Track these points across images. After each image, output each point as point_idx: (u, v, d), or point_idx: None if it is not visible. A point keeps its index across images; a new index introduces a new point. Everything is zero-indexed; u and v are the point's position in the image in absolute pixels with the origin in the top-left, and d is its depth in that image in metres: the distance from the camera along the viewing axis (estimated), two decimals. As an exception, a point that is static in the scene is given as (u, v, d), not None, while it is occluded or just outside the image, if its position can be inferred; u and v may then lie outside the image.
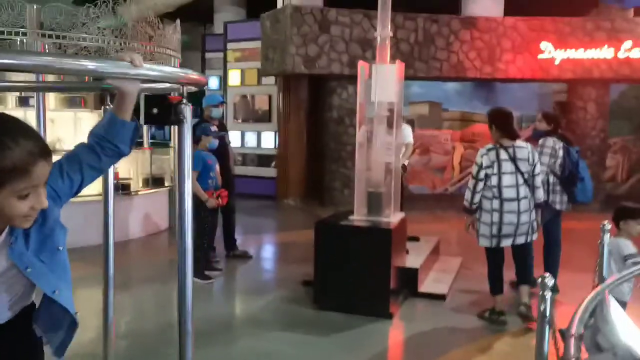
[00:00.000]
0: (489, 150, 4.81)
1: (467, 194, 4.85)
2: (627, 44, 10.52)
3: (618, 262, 3.67)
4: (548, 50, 10.61)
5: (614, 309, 2.36)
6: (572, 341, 2.30)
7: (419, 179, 11.77)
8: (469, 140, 11.99)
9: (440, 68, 10.71)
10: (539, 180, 4.88)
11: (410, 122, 8.15)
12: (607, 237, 3.55)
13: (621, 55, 10.58)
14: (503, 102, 10.24)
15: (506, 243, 4.83)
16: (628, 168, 12.27)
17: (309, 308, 5.21)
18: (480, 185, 4.77)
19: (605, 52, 10.59)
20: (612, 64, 10.66)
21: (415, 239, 6.61)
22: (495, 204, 4.76)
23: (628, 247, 3.75)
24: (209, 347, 4.36)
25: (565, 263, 6.64)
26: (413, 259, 5.89)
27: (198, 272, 5.81)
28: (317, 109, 11.45)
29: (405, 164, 7.14)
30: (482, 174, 4.76)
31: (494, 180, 4.75)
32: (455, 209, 10.62)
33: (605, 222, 3.63)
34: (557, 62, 10.66)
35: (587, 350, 2.30)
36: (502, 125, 4.87)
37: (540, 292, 2.34)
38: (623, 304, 3.17)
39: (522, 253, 4.96)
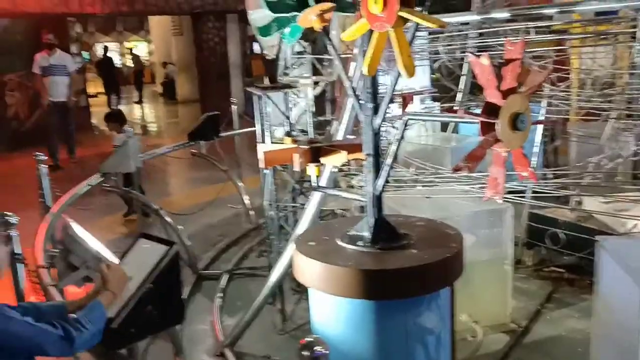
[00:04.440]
0: None
1: None
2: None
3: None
4: None
5: (79, 230, 2.48)
6: (43, 272, 2.32)
7: None
8: None
9: None
10: None
11: None
12: (42, 169, 3.58)
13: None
14: None
15: None
16: (28, 103, 12.24)
17: None
18: None
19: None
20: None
21: None
22: None
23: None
24: None
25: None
26: None
27: None
28: None
29: None
30: None
31: None
32: None
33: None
34: None
35: (60, 275, 2.36)
36: None
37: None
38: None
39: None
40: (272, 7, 2.45)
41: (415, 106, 6.61)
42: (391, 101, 6.23)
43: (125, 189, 5.07)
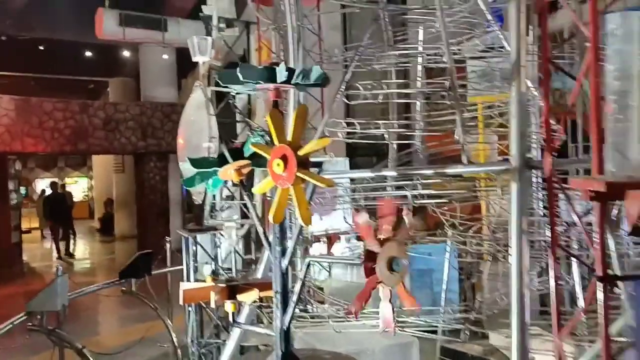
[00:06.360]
0: None
1: None
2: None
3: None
4: None
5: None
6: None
7: None
8: None
9: None
10: None
11: None
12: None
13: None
14: None
15: None
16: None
17: None
18: None
19: None
20: None
21: None
22: None
23: None
24: None
25: None
26: None
27: None
28: None
29: None
30: None
31: None
32: None
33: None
34: None
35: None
36: None
37: None
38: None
39: None
40: (195, 164, 2.85)
41: (340, 245, 7.04)
42: (317, 241, 6.61)
43: (50, 328, 5.05)
